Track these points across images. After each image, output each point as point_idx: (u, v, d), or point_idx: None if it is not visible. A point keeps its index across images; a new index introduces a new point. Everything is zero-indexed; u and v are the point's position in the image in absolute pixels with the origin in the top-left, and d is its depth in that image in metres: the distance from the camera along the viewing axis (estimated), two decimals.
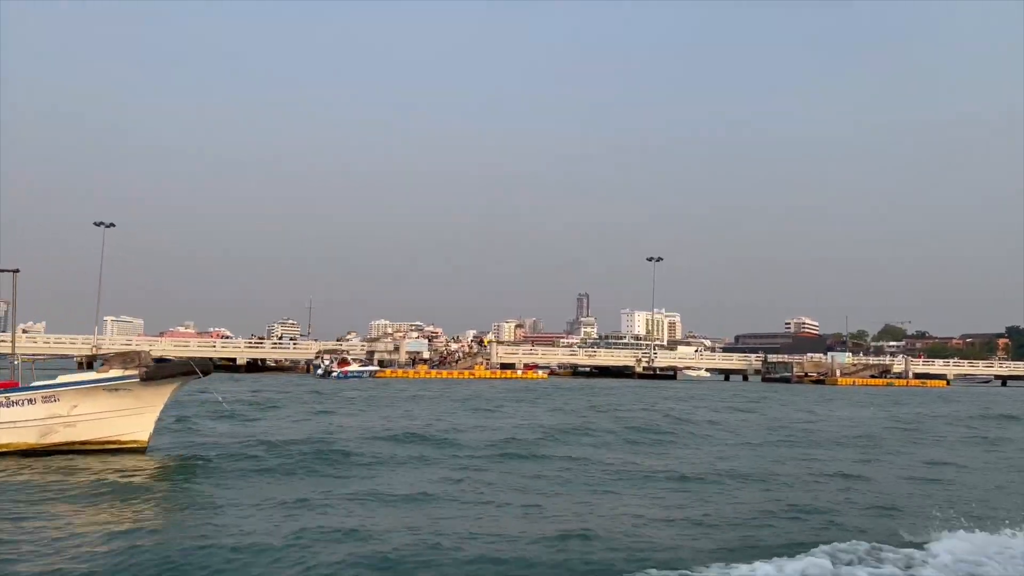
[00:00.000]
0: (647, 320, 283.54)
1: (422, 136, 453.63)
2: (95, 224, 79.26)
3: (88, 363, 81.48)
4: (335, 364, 64.92)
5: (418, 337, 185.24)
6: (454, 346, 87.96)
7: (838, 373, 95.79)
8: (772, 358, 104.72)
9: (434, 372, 76.38)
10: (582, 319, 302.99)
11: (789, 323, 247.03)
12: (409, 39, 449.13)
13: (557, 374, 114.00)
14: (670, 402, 38.99)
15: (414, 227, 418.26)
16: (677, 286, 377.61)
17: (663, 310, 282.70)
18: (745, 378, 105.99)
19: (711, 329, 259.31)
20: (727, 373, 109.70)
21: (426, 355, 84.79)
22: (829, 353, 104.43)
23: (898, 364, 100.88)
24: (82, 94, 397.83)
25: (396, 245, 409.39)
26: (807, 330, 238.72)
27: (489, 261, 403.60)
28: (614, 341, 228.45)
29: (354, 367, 65.39)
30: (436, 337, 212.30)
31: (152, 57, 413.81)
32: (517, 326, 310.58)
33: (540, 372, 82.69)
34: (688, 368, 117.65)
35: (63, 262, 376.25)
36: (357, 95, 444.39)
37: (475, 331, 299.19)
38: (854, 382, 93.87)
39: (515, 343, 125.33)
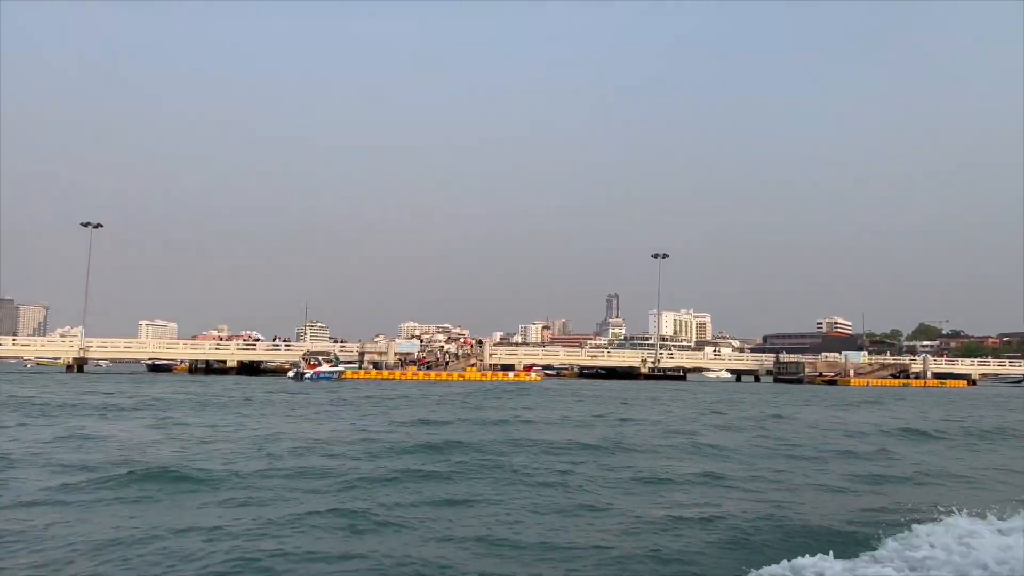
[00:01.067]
0: (675, 320, 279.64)
1: (452, 141, 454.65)
2: (82, 224, 78.63)
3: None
4: (304, 366, 63.53)
5: (447, 339, 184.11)
6: (449, 347, 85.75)
7: (851, 373, 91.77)
8: (784, 358, 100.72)
9: (421, 374, 74.45)
10: (610, 320, 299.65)
11: (821, 323, 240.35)
12: (437, 43, 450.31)
13: (564, 375, 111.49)
14: (614, 405, 36.27)
15: (449, 231, 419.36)
16: (711, 287, 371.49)
17: (691, 310, 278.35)
18: (757, 379, 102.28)
19: (743, 329, 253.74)
20: (739, 374, 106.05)
21: (418, 356, 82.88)
22: (843, 352, 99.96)
23: (916, 363, 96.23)
24: (107, 99, 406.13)
25: (432, 249, 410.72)
26: (839, 330, 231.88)
27: (522, 263, 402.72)
28: (639, 342, 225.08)
29: (324, 368, 63.92)
30: (461, 339, 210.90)
31: (170, 58, 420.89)
32: (544, 327, 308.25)
33: (534, 374, 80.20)
34: (706, 369, 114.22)
35: (104, 266, 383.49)
36: (387, 98, 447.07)
37: (502, 332, 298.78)
38: (868, 383, 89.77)
39: (514, 344, 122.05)
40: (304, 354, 76.57)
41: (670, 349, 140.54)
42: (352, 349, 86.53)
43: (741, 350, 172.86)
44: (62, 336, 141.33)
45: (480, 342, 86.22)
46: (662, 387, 69.55)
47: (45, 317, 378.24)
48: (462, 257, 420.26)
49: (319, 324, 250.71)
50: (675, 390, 61.10)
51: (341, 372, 65.77)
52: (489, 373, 78.41)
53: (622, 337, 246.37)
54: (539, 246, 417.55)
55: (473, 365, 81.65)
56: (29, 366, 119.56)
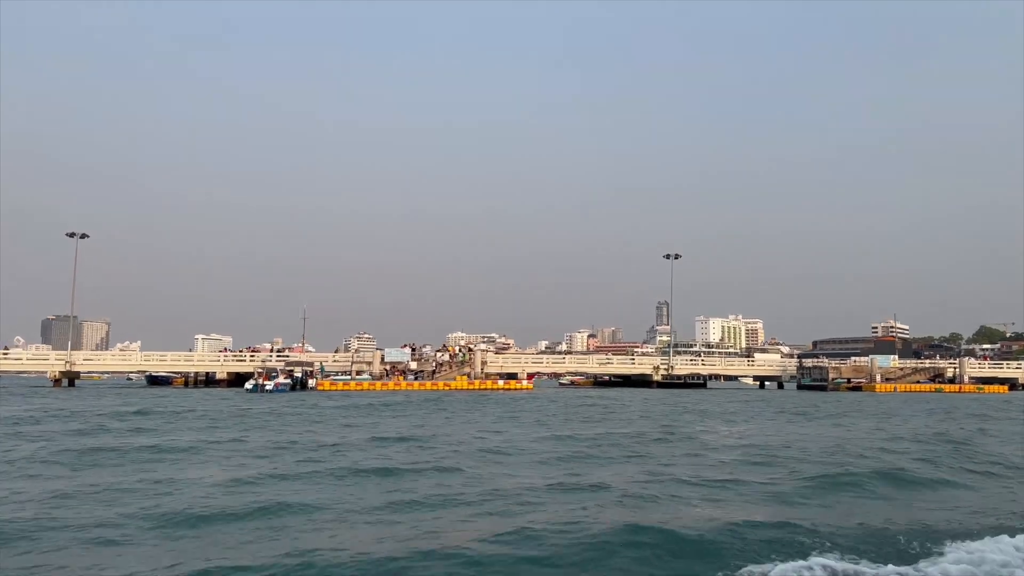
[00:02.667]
0: (723, 327, 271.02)
1: (500, 148, 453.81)
2: (68, 235, 77.98)
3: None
4: (260, 378, 61.02)
5: (488, 349, 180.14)
6: (442, 356, 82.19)
7: (878, 378, 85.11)
8: (808, 362, 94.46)
9: (404, 384, 71.48)
10: (657, 328, 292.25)
11: (876, 327, 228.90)
12: (438, 41, 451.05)
13: (580, 384, 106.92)
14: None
15: (504, 238, 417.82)
16: (766, 292, 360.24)
17: (740, 316, 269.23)
18: (780, 385, 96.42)
19: (799, 335, 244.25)
20: (762, 380, 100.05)
21: (413, 365, 79.66)
22: (870, 356, 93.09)
23: (952, 367, 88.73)
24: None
25: (484, 260, 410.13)
26: (896, 334, 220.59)
27: (575, 272, 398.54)
28: (684, 349, 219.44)
29: (281, 380, 61.60)
30: (507, 348, 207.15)
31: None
32: (590, 336, 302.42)
33: (525, 382, 76.42)
34: (726, 376, 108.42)
35: (161, 282, 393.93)
36: (393, 98, 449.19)
37: (547, 341, 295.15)
38: (895, 388, 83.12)
39: (505, 352, 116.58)
40: (286, 364, 74.35)
41: (699, 355, 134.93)
42: (343, 358, 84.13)
43: (791, 356, 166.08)
44: (121, 350, 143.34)
45: (470, 350, 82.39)
46: (661, 395, 65.51)
47: (107, 333, 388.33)
48: (513, 268, 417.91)
49: (367, 335, 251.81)
50: (660, 398, 56.78)
51: (292, 384, 64.00)
52: (477, 382, 74.92)
53: (667, 344, 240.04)
54: (589, 254, 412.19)
55: (466, 374, 78.15)
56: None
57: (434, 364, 78.21)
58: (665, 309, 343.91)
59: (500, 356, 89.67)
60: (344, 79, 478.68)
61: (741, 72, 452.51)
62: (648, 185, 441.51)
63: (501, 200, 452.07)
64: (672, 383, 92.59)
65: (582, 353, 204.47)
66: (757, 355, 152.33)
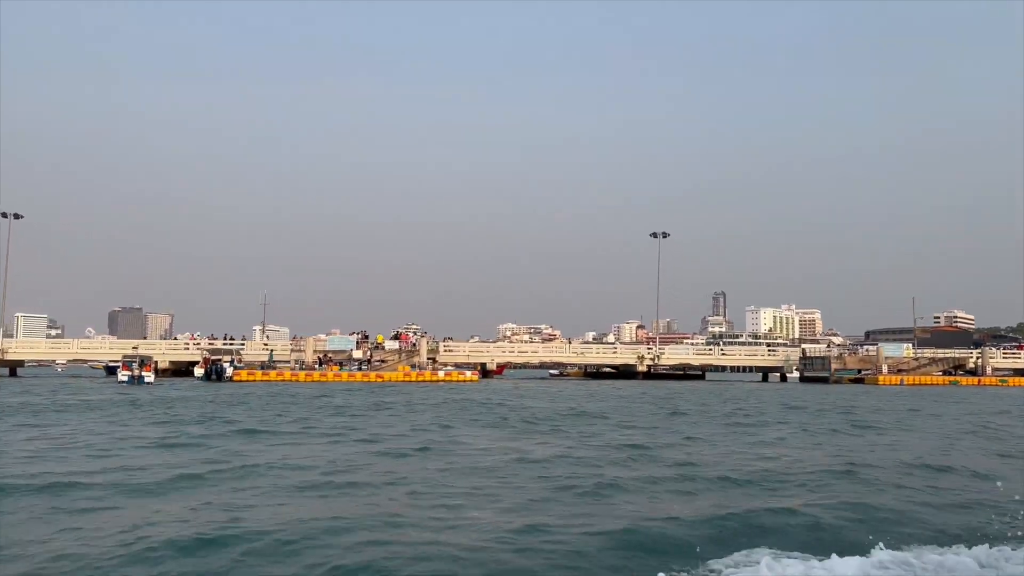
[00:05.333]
0: (774, 317, 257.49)
1: (558, 145, 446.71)
2: (1, 215, 75.13)
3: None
4: (122, 367, 55.56)
5: (532, 340, 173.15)
6: (389, 344, 75.98)
7: (884, 369, 74.95)
8: (811, 352, 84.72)
9: (331, 375, 65.74)
10: (709, 318, 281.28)
11: (939, 317, 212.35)
12: (450, 42, 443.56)
13: (571, 374, 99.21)
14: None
15: (560, 229, 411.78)
16: (828, 282, 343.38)
17: (793, 306, 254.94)
18: (783, 378, 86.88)
19: (860, 326, 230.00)
20: (765, 372, 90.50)
21: (357, 354, 73.81)
22: (877, 344, 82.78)
23: (974, 357, 77.70)
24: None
25: (539, 249, 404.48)
26: (959, 324, 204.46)
27: (632, 264, 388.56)
28: (730, 340, 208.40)
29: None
30: (553, 339, 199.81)
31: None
32: (638, 327, 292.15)
33: (469, 373, 69.54)
34: (738, 366, 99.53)
35: (223, 272, 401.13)
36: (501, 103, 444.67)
37: (594, 332, 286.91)
38: (901, 381, 72.91)
39: (477, 341, 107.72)
40: (207, 354, 69.56)
41: (719, 346, 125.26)
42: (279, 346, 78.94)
43: (843, 346, 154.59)
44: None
45: (413, 342, 75.67)
46: (633, 386, 59.05)
47: (171, 324, 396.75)
48: (563, 259, 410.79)
49: (414, 326, 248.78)
50: (605, 393, 49.35)
51: (207, 373, 60.71)
52: (415, 373, 68.46)
53: (715, 336, 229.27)
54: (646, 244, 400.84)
55: (414, 364, 71.90)
56: (61, 370, 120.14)
57: (369, 353, 72.15)
58: (722, 300, 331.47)
59: (462, 345, 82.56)
60: (345, 80, 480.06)
61: (741, 72, 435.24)
62: (664, 184, 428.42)
63: (544, 200, 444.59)
64: (660, 374, 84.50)
65: (569, 344, 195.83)
66: (806, 345, 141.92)
